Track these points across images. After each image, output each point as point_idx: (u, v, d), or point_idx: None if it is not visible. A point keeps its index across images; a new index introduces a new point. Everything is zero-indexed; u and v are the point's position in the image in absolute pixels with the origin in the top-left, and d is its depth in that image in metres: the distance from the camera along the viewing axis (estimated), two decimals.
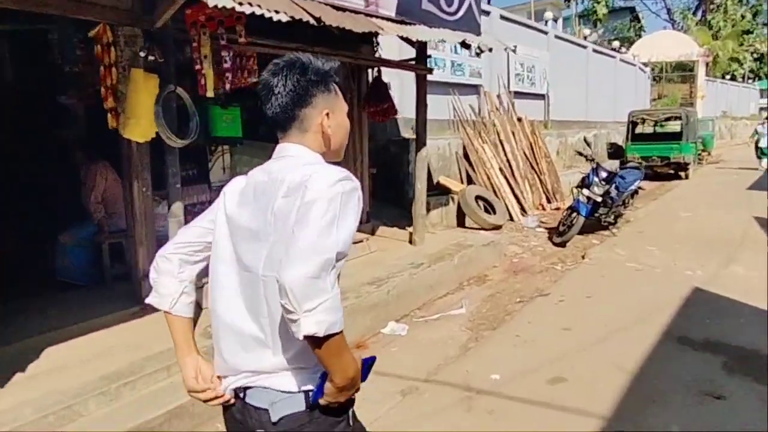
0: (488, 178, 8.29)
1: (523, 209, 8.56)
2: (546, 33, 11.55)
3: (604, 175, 6.73)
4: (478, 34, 4.88)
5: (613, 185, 6.75)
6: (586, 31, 21.15)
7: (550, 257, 6.15)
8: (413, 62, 5.30)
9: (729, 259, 5.55)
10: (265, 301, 1.13)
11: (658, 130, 14.90)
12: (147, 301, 1.32)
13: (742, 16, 28.01)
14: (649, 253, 5.99)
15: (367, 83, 5.30)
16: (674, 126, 13.18)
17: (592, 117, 13.73)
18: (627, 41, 26.47)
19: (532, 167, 9.64)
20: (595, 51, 13.87)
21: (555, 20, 27.04)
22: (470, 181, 8.21)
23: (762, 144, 14.97)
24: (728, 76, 29.13)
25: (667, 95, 21.51)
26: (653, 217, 8.29)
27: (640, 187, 7.69)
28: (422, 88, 5.22)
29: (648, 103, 19.96)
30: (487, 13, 9.54)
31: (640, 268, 5.35)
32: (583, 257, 6.03)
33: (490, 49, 5.08)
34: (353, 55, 4.62)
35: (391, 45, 5.82)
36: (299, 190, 1.07)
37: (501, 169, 8.69)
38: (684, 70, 26.04)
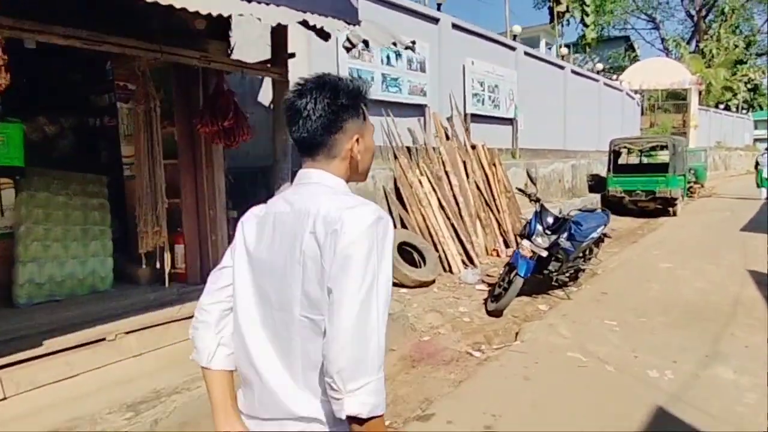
0: (423, 219, 6.70)
1: (469, 257, 6.94)
2: (514, 49, 10.13)
3: (550, 221, 5.15)
4: (355, 22, 3.36)
5: (565, 234, 5.15)
6: (599, 65, 19.77)
7: (475, 334, 4.50)
8: (270, 64, 3.80)
9: (714, 348, 3.91)
10: (300, 342, 1.06)
11: (644, 160, 13.41)
12: (190, 358, 1.23)
13: (735, 45, 26.87)
14: (604, 333, 4.34)
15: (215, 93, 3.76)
16: (661, 156, 11.67)
17: (571, 145, 12.23)
18: (621, 70, 25.33)
19: (488, 204, 8.06)
20: (574, 73, 12.45)
21: (549, 47, 26.01)
22: (402, 224, 6.63)
23: (765, 174, 15.02)
24: (722, 106, 27.82)
25: (659, 124, 20.08)
26: (625, 270, 6.66)
27: (605, 234, 6.09)
28: (280, 99, 3.69)
29: (637, 132, 18.54)
30: (436, 21, 8.12)
31: (584, 362, 3.71)
32: (516, 336, 4.39)
33: (366, 44, 3.55)
34: (156, 48, 3.09)
35: (257, 45, 4.33)
36: (330, 230, 1.00)
37: (442, 207, 7.11)
38: (677, 99, 24.78)
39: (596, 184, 12.24)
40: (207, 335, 1.19)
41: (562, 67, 11.95)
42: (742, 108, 31.91)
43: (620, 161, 12.58)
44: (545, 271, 5.28)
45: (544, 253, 4.95)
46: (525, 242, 4.96)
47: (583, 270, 5.86)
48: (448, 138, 8.11)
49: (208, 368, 1.19)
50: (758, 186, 15.63)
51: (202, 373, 1.21)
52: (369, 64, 7.05)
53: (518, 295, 5.12)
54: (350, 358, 0.94)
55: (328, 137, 1.12)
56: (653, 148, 12.00)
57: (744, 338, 4.08)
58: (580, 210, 5.65)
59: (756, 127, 39.77)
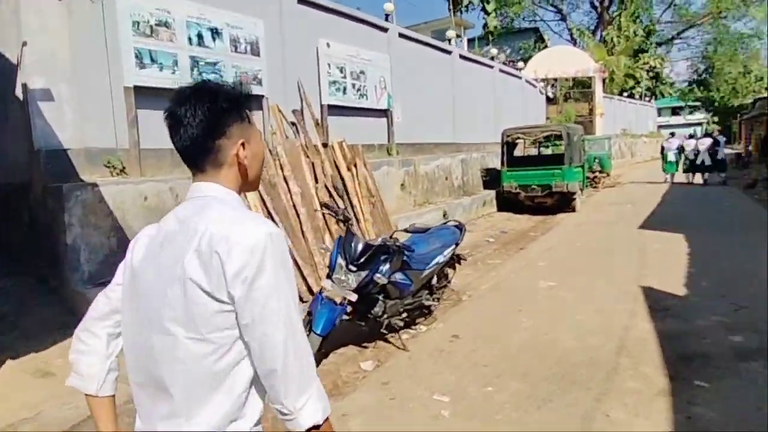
0: None
1: (308, 286, 5.28)
2: (385, 30, 8.60)
3: (358, 250, 3.51)
4: None
5: (386, 266, 3.58)
6: (494, 51, 18.98)
7: None
8: None
9: None
10: (185, 365, 0.98)
11: (543, 152, 12.48)
12: (67, 383, 1.15)
13: (635, 33, 27.44)
14: (427, 418, 2.85)
15: None
16: (557, 148, 10.68)
17: (462, 138, 10.96)
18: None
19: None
20: (464, 58, 11.17)
21: (459, 37, 25.08)
22: None
23: (670, 158, 15.79)
24: (626, 94, 28.39)
25: (564, 113, 19.66)
26: (498, 293, 5.30)
27: (459, 256, 4.63)
28: None
29: (543, 121, 17.88)
30: None
31: None
32: None
33: None
34: None
35: None
36: (214, 248, 0.94)
37: (275, 223, 5.41)
38: (584, 87, 24.79)
39: (491, 179, 11.09)
40: (95, 361, 1.13)
41: (449, 52, 10.63)
42: (646, 96, 33.00)
43: (516, 153, 11.53)
44: (370, 315, 3.72)
45: (353, 296, 3.36)
46: (326, 282, 3.35)
47: (430, 306, 4.36)
48: (295, 135, 6.43)
49: (96, 396, 1.14)
50: (664, 171, 16.16)
51: (87, 401, 1.15)
52: (169, 44, 5.22)
53: (342, 345, 3.56)
54: (293, 383, 0.95)
55: (212, 143, 1.05)
56: (548, 138, 11.00)
57: (621, 422, 2.70)
58: (418, 230, 4.05)
59: (660, 114, 41.88)
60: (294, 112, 6.67)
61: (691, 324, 4.01)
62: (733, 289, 4.81)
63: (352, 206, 6.64)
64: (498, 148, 10.83)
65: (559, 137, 10.40)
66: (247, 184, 1.13)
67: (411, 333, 4.21)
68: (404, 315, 3.99)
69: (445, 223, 4.76)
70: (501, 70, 13.28)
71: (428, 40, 9.84)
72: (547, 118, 19.64)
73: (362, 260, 3.36)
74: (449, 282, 4.58)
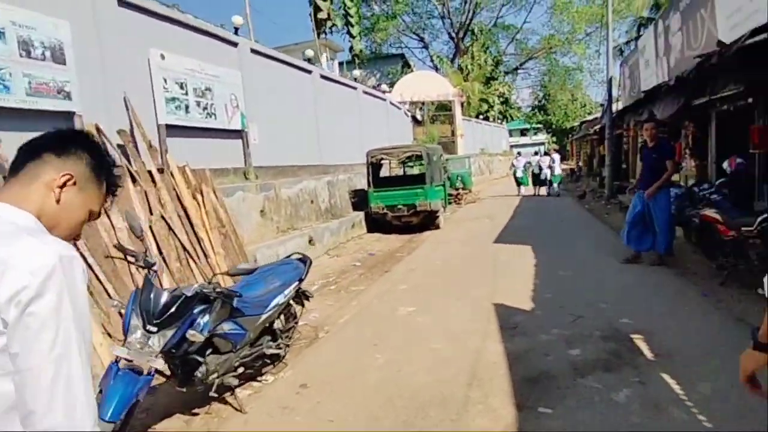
0: None
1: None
2: (235, 45, 7.97)
3: (162, 301, 2.80)
4: None
5: (207, 315, 2.98)
6: (357, 72, 19.14)
7: None
8: None
9: None
10: None
11: (408, 172, 12.78)
12: None
13: (486, 62, 30.31)
14: None
15: None
16: (420, 167, 10.95)
17: (328, 159, 10.67)
18: None
19: (185, 248, 5.63)
20: (325, 78, 10.97)
21: (331, 60, 25.12)
22: None
23: (518, 174, 18.39)
24: (482, 117, 31.11)
25: (429, 134, 20.69)
26: (356, 326, 4.96)
27: (305, 293, 4.17)
28: None
29: (411, 142, 18.55)
30: None
31: None
32: None
33: None
34: None
35: None
36: None
37: (90, 266, 4.44)
38: (446, 110, 26.53)
39: (359, 200, 10.97)
40: None
41: (308, 71, 10.34)
42: (498, 119, 36.59)
43: (383, 174, 11.61)
44: (195, 378, 3.06)
45: (158, 363, 2.69)
46: (118, 350, 2.62)
47: (288, 345, 3.84)
48: (122, 159, 5.45)
49: None
50: (517, 185, 18.53)
51: None
52: None
53: (167, 415, 2.82)
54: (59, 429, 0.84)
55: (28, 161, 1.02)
56: (409, 158, 11.28)
57: None
58: (241, 271, 3.38)
59: (511, 135, 46.82)
60: (120, 132, 5.71)
61: (536, 340, 4.07)
62: (570, 298, 5.10)
63: (198, 239, 5.86)
64: (365, 169, 10.76)
65: (420, 157, 10.67)
66: (52, 228, 1.00)
67: (255, 387, 3.64)
68: (241, 369, 3.40)
69: (287, 257, 4.27)
70: (365, 92, 13.40)
71: (284, 58, 9.41)
72: (415, 139, 20.48)
73: (167, 316, 2.71)
74: (297, 322, 4.10)
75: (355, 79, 13.38)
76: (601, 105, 15.28)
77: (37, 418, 0.82)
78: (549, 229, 9.77)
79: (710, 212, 5.60)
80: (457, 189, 16.85)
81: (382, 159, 10.69)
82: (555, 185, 17.61)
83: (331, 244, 9.01)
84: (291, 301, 3.90)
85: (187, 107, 6.73)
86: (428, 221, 10.65)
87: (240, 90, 7.87)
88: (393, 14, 32.97)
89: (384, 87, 22.54)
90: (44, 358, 0.82)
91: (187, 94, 6.73)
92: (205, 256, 5.91)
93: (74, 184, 1.01)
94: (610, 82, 14.23)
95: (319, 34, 16.42)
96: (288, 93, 9.54)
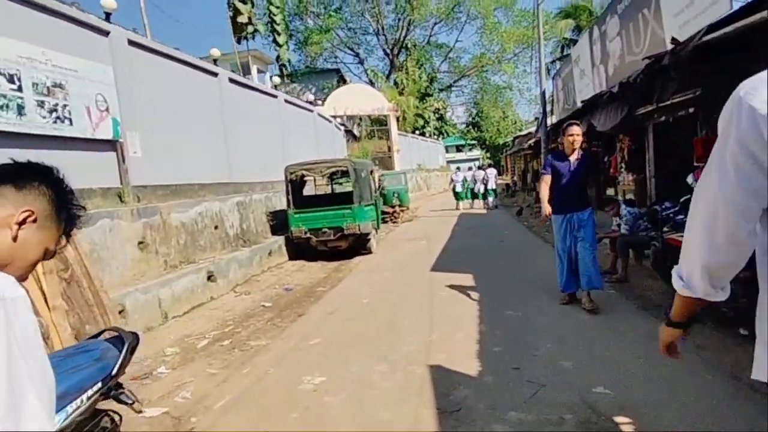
0: None
1: None
2: (106, 33, 6.23)
3: None
4: None
5: None
6: (276, 79, 17.55)
7: None
8: None
9: None
10: None
11: (336, 190, 11.37)
12: None
13: (420, 77, 29.86)
14: None
15: None
16: (346, 185, 9.58)
17: (241, 176, 9.03)
18: None
19: None
20: (234, 83, 9.36)
21: (261, 74, 23.34)
22: None
23: (458, 189, 18.35)
24: (418, 132, 30.52)
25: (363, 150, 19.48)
26: (232, 422, 3.42)
27: (118, 387, 2.55)
28: None
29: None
30: None
31: None
32: None
33: None
34: None
35: None
36: None
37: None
38: (381, 125, 25.56)
39: (280, 223, 9.39)
40: None
41: (214, 74, 8.71)
42: (434, 134, 36.30)
43: (306, 192, 10.13)
44: None
45: None
46: None
47: None
48: None
49: None
50: (456, 200, 18.44)
51: None
52: None
53: None
54: None
55: None
56: (334, 175, 9.91)
57: None
58: None
59: (447, 151, 46.95)
60: None
61: None
62: (525, 353, 3.89)
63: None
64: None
65: (347, 173, 9.31)
66: (3, 266, 0.91)
67: None
68: None
69: (96, 336, 2.65)
70: (288, 101, 11.89)
71: (178, 55, 7.73)
72: (349, 155, 19.18)
73: None
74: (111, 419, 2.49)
75: (275, 87, 11.84)
76: (536, 118, 14.79)
77: None
78: (490, 252, 8.72)
79: (677, 236, 4.66)
80: (393, 206, 15.68)
81: (304, 175, 9.20)
82: (491, 199, 18.11)
83: (240, 278, 7.37)
84: (104, 407, 2.32)
85: (20, 107, 4.92)
86: (359, 245, 9.28)
87: (112, 90, 6.13)
88: (327, 28, 31.81)
89: (318, 102, 21.21)
90: None
91: (20, 89, 4.94)
92: (35, 312, 4.12)
93: (34, 221, 0.95)
94: (543, 94, 13.73)
95: (239, 40, 14.74)
96: (186, 98, 7.86)
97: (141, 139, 6.62)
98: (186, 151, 7.60)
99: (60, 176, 1.02)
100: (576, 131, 4.48)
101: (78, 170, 5.59)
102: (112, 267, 5.41)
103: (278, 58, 17.49)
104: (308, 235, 8.73)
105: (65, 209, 1.01)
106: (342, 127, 19.08)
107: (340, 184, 11.23)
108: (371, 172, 10.39)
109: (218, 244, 7.58)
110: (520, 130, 35.43)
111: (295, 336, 4.93)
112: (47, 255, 1.01)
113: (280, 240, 9.06)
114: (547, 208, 4.83)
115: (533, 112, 42.48)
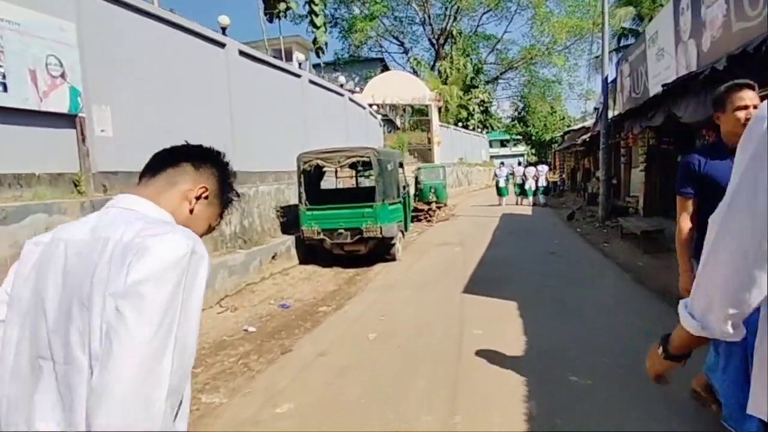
0: None
1: None
2: None
3: None
4: None
5: None
6: (342, 78, 16.21)
7: None
8: None
9: None
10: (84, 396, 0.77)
11: (361, 183, 9.77)
12: None
13: (465, 66, 27.68)
14: None
15: None
16: (365, 179, 7.98)
17: (249, 164, 7.59)
18: None
19: None
20: (245, 55, 7.86)
21: (300, 64, 22.08)
22: None
23: (501, 184, 17.37)
24: (461, 125, 28.39)
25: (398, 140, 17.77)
26: None
27: None
28: None
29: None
30: None
31: None
32: None
33: None
34: None
35: None
36: (126, 259, 0.78)
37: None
38: (422, 115, 23.73)
39: (292, 220, 7.91)
40: None
41: (221, 44, 7.28)
42: (478, 128, 33.88)
43: (323, 186, 8.60)
44: None
45: None
46: None
47: None
48: None
49: None
50: (498, 195, 17.54)
51: None
52: None
53: None
54: (123, 423, 0.71)
55: (172, 166, 1.00)
56: (354, 166, 8.29)
57: None
58: None
59: (491, 146, 44.29)
60: None
61: None
62: None
63: None
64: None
65: (369, 165, 7.67)
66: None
67: None
68: None
69: None
70: (312, 81, 10.35)
71: (167, 15, 6.28)
72: (386, 146, 17.55)
73: None
74: None
75: (300, 65, 10.32)
76: (596, 108, 12.57)
77: (105, 407, 0.70)
78: (538, 269, 6.87)
79: None
80: (429, 203, 13.94)
81: (320, 165, 7.64)
82: (541, 196, 17.28)
83: (231, 287, 5.95)
84: None
85: None
86: (381, 249, 7.67)
87: (72, 52, 4.78)
88: (371, 15, 30.08)
89: (357, 90, 19.65)
90: (139, 344, 0.72)
91: None
92: None
93: (206, 197, 1.02)
94: (606, 79, 11.48)
95: (270, 18, 13.35)
96: (182, 70, 6.48)
97: (113, 115, 5.28)
98: (176, 132, 6.19)
99: (227, 161, 1.07)
100: (751, 98, 2.12)
101: (13, 150, 4.28)
102: None
103: (315, 40, 16.03)
104: (322, 235, 7.21)
105: (226, 191, 1.06)
106: (379, 116, 17.42)
107: (366, 177, 9.63)
108: (400, 164, 8.70)
109: (209, 245, 6.18)
110: (568, 126, 32.50)
111: (262, 392, 3.39)
112: (208, 230, 1.07)
113: (290, 240, 7.59)
114: (687, 283, 2.31)
115: (583, 107, 39.20)
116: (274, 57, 10.49)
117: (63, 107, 4.72)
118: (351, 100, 12.93)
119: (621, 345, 3.77)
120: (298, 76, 9.73)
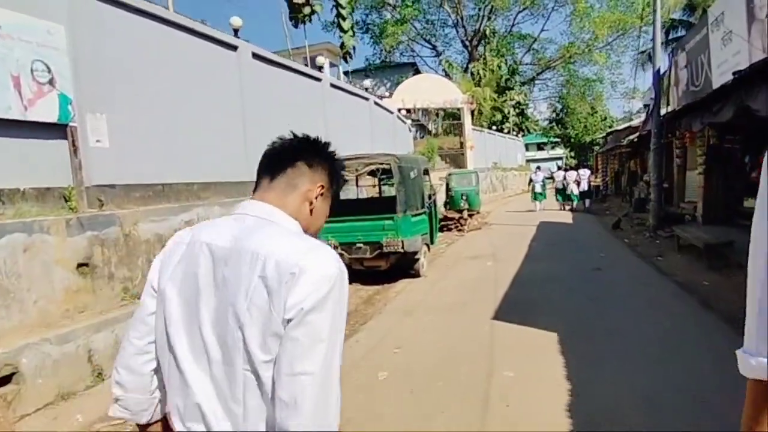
0: None
1: None
2: None
3: None
4: None
5: None
6: (367, 83, 15.83)
7: None
8: None
9: None
10: (244, 398, 0.86)
11: (385, 192, 9.11)
12: (113, 414, 1.03)
13: (499, 66, 26.53)
14: None
15: None
16: (389, 188, 7.31)
17: None
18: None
19: None
20: (259, 59, 7.37)
21: (333, 67, 21.83)
22: None
23: (537, 189, 16.67)
24: (495, 128, 27.24)
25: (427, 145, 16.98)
26: None
27: None
28: None
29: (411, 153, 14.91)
30: None
31: None
32: None
33: None
34: None
35: None
36: (285, 278, 0.82)
37: None
38: (454, 119, 22.86)
39: None
40: (142, 399, 1.02)
41: (233, 47, 6.82)
42: (514, 131, 32.54)
43: (342, 195, 8.01)
44: None
45: None
46: None
47: None
48: None
49: (148, 424, 1.05)
50: (533, 200, 16.83)
51: (137, 426, 1.04)
52: None
53: None
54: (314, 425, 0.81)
55: (294, 163, 1.00)
56: (373, 173, 7.62)
57: None
58: None
59: (527, 149, 42.59)
60: None
61: None
62: None
63: None
64: None
65: (389, 173, 6.99)
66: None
67: None
68: None
69: None
70: (334, 85, 9.81)
71: (172, 17, 5.88)
72: (415, 152, 16.84)
73: None
74: None
75: (320, 68, 9.79)
76: (646, 105, 11.37)
77: (299, 417, 0.79)
78: (582, 288, 5.97)
79: None
80: (460, 211, 13.10)
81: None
82: (586, 201, 16.52)
83: None
84: None
85: None
86: (404, 264, 6.98)
87: (61, 57, 4.40)
88: (403, 19, 29.48)
89: (386, 95, 19.10)
90: (317, 366, 0.80)
91: None
92: None
93: (322, 194, 1.02)
94: (658, 73, 10.32)
95: (296, 24, 12.99)
96: (191, 76, 6.06)
97: (110, 124, 4.88)
98: (183, 142, 5.80)
99: (335, 152, 1.05)
100: None
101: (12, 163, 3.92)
102: (26, 303, 3.67)
103: (342, 45, 15.60)
104: (339, 250, 6.59)
105: (336, 182, 1.05)
106: (408, 121, 16.72)
107: (390, 185, 8.96)
108: (425, 171, 7.97)
109: None
110: (611, 127, 30.60)
111: None
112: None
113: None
114: None
115: (627, 107, 36.97)
116: (305, 65, 10.05)
117: (52, 116, 4.34)
118: (377, 104, 12.30)
119: (697, 402, 2.91)
120: (318, 79, 9.22)
